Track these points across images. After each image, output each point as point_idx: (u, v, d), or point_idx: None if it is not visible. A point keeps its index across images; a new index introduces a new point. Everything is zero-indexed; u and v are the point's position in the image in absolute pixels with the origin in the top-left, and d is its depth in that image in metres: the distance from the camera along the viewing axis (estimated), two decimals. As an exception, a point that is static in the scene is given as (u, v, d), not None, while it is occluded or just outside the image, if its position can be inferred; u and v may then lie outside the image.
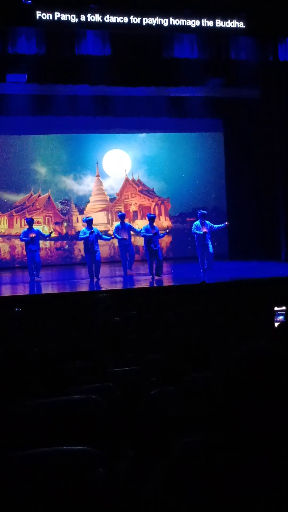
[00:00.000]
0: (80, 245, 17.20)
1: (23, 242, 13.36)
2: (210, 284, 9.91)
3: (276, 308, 4.65)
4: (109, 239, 13.93)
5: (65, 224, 18.26)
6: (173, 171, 18.77)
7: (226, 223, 13.85)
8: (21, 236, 13.29)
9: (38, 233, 13.26)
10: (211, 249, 13.22)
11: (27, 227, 13.28)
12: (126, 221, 14.73)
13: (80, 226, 17.44)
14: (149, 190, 18.94)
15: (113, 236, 13.71)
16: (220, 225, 13.53)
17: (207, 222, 13.34)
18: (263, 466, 1.58)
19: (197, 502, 1.53)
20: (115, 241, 13.77)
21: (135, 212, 18.62)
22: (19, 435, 2.49)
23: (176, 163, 18.77)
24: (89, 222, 13.04)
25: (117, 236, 13.40)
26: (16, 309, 7.32)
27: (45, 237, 14.44)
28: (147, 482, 1.65)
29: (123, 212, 16.22)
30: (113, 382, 3.25)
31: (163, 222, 18.70)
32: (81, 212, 18.32)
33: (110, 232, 18.17)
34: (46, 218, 18.04)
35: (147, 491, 1.63)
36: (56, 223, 18.19)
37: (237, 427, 1.70)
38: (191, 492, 1.56)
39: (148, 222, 13.08)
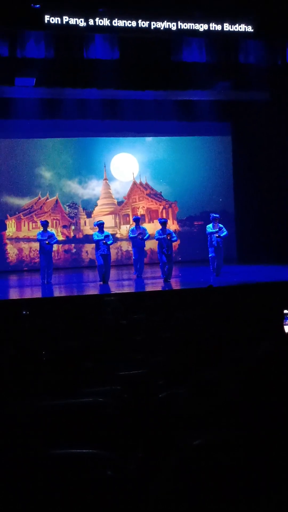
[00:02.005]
0: (88, 248, 17.22)
1: (38, 244, 13.45)
2: (217, 288, 9.89)
3: (285, 311, 4.63)
4: (112, 243, 13.56)
5: (72, 227, 18.28)
6: (181, 174, 18.77)
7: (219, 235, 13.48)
8: (38, 237, 13.33)
9: (52, 236, 13.33)
10: (221, 254, 13.21)
11: (42, 229, 13.35)
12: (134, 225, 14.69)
13: (88, 230, 17.47)
14: (156, 194, 18.95)
15: (129, 237, 13.86)
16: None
17: (220, 225, 13.30)
18: (267, 466, 1.58)
19: (203, 502, 1.53)
20: (124, 245, 13.75)
21: (142, 215, 18.61)
22: (27, 436, 2.48)
23: (184, 166, 18.76)
24: (100, 225, 13.03)
25: (132, 235, 13.49)
26: (24, 312, 7.33)
27: (56, 241, 14.38)
28: (154, 482, 1.65)
29: (136, 215, 16.21)
30: (121, 384, 3.24)
31: (171, 225, 18.68)
32: (88, 215, 18.34)
33: (118, 235, 18.17)
34: (54, 221, 18.07)
35: (153, 491, 1.63)
36: (64, 227, 18.22)
37: (246, 427, 1.69)
38: (197, 493, 1.55)
39: (160, 227, 13.12)
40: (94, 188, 18.46)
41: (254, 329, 4.53)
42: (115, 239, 17.77)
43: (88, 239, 17.29)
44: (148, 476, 1.84)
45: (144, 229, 13.88)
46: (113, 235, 17.57)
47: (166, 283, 12.44)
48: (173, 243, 13.17)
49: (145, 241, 13.82)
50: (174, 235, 13.18)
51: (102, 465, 2.01)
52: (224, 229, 13.27)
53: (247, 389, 1.82)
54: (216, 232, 13.13)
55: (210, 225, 13.29)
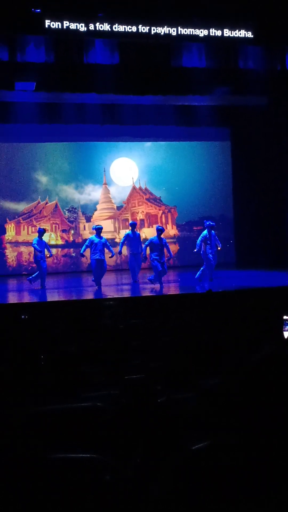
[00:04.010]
0: (87, 252, 17.19)
1: (34, 250, 13.33)
2: (216, 293, 9.88)
3: (285, 317, 4.62)
4: (112, 253, 13.34)
5: (72, 231, 18.28)
6: (180, 179, 18.78)
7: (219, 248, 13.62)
8: (33, 243, 13.22)
9: (45, 245, 13.22)
10: (215, 261, 13.22)
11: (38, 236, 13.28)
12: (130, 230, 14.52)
13: (87, 234, 17.45)
14: (156, 199, 18.95)
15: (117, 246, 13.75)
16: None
17: (213, 232, 13.29)
18: (267, 466, 1.58)
19: (203, 502, 1.53)
20: (123, 250, 13.65)
21: (142, 220, 18.63)
22: (25, 441, 2.47)
23: (183, 171, 18.78)
24: (98, 230, 12.97)
25: (121, 245, 13.37)
26: (23, 317, 7.32)
27: (50, 254, 13.97)
28: (154, 483, 1.65)
29: (133, 221, 16.10)
30: (119, 389, 3.23)
31: (170, 230, 18.70)
32: (88, 220, 18.34)
33: (117, 240, 18.13)
34: (53, 225, 18.07)
35: (153, 492, 1.63)
36: (63, 231, 18.22)
37: (245, 429, 1.69)
38: (197, 493, 1.55)
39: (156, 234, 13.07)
40: (91, 193, 18.47)
41: (253, 334, 4.52)
42: (114, 244, 17.76)
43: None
44: (148, 477, 1.83)
45: (139, 237, 13.75)
46: (112, 239, 17.60)
47: (164, 288, 12.34)
48: (171, 248, 13.08)
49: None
50: (168, 247, 13.11)
51: (100, 469, 2.01)
52: (216, 237, 13.30)
53: (246, 392, 1.81)
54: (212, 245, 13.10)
55: (205, 232, 13.25)
